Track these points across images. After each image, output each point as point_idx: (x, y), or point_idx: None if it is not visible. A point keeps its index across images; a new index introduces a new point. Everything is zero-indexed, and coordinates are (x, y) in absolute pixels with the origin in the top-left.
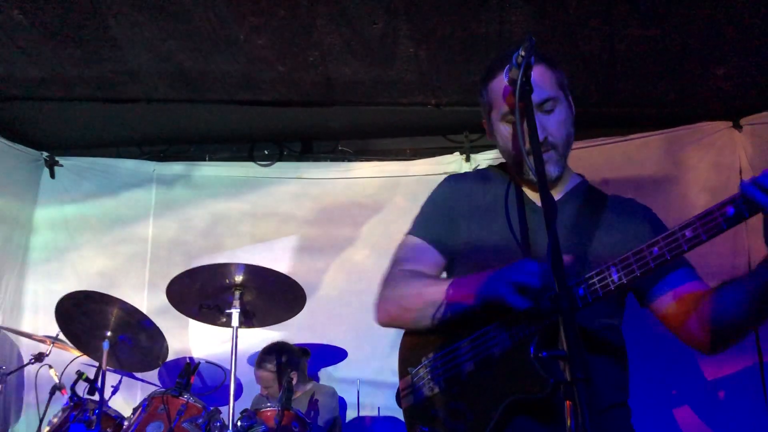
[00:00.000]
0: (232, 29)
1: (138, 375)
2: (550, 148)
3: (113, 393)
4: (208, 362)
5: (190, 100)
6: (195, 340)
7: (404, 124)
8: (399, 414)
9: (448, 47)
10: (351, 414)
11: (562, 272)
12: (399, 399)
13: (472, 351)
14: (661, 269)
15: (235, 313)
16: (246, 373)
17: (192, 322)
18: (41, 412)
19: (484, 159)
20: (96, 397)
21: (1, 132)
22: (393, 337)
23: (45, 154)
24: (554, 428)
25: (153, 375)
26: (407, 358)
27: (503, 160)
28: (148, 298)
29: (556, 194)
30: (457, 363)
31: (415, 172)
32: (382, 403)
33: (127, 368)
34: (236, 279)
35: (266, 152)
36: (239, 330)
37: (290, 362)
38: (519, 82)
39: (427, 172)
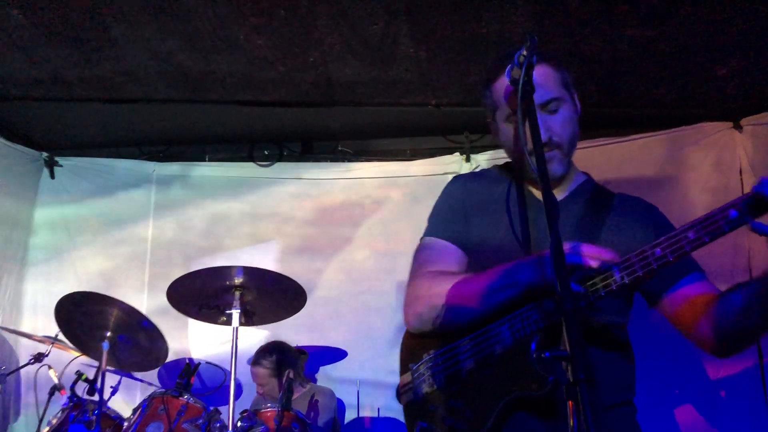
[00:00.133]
0: (232, 29)
1: (137, 375)
2: (554, 148)
3: (113, 393)
4: (208, 363)
5: (190, 100)
6: (195, 340)
7: (404, 125)
8: (399, 414)
9: (448, 47)
10: (351, 414)
11: (565, 272)
12: (399, 395)
13: (473, 349)
14: (672, 272)
15: (236, 313)
16: (246, 374)
17: (192, 322)
18: (40, 412)
19: (484, 159)
20: (95, 397)
21: (1, 132)
22: (392, 337)
23: (44, 154)
24: (554, 426)
25: (153, 375)
26: (408, 355)
27: (504, 160)
28: (147, 299)
29: (561, 193)
30: (458, 360)
31: (415, 173)
32: (382, 403)
33: (127, 369)
34: (236, 281)
35: (266, 152)
36: (239, 331)
37: (287, 361)
38: (521, 81)
39: (427, 173)
